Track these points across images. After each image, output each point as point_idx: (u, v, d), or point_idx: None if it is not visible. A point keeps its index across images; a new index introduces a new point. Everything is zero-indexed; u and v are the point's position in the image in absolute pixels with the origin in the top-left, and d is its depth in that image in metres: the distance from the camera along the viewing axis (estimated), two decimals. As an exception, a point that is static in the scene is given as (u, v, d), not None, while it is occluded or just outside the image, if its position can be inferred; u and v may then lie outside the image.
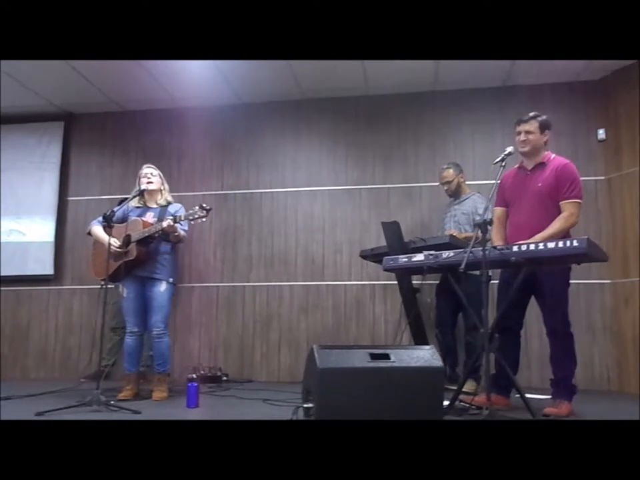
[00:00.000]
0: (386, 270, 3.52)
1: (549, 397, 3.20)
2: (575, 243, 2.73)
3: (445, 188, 4.43)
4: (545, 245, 2.83)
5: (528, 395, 2.93)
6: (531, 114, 3.28)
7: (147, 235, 3.62)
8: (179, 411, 3.24)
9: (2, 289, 5.52)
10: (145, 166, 3.95)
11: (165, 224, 3.56)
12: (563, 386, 3.13)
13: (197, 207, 3.50)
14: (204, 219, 3.52)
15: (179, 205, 3.88)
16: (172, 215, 3.66)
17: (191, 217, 3.53)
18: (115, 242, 3.64)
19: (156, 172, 3.92)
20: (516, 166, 3.42)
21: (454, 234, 3.99)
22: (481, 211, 3.83)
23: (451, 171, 4.40)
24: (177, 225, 3.63)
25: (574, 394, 3.15)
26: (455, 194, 4.41)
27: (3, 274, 5.49)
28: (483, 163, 4.88)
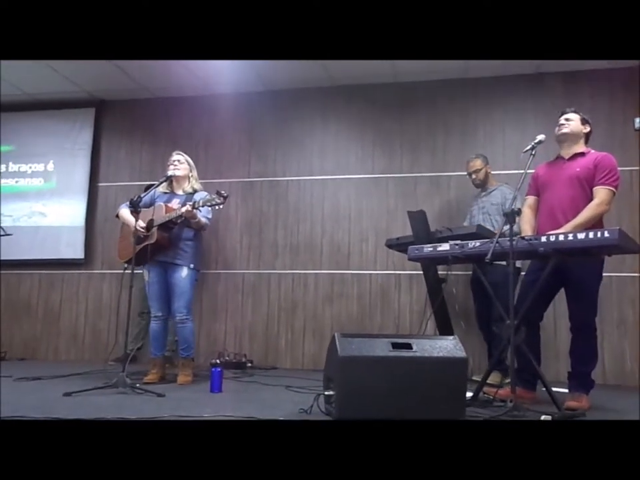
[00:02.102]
0: (411, 259, 3.47)
1: (565, 390, 3.14)
2: (607, 234, 2.64)
3: (473, 177, 4.36)
4: (575, 236, 2.74)
5: (555, 389, 2.87)
6: (573, 109, 3.33)
7: (167, 220, 3.66)
8: (201, 395, 3.27)
9: (36, 272, 5.67)
10: (174, 153, 3.99)
11: (183, 209, 3.58)
12: (582, 380, 3.09)
13: (215, 194, 3.51)
14: (221, 206, 3.54)
15: (205, 193, 3.86)
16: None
17: (208, 203, 3.54)
18: (141, 224, 3.69)
19: (184, 159, 3.95)
20: (551, 159, 3.35)
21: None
22: (511, 202, 3.77)
23: (479, 160, 4.35)
24: (197, 212, 3.65)
25: (592, 388, 3.11)
26: (482, 184, 4.35)
27: (37, 257, 5.64)
28: (514, 153, 4.75)
